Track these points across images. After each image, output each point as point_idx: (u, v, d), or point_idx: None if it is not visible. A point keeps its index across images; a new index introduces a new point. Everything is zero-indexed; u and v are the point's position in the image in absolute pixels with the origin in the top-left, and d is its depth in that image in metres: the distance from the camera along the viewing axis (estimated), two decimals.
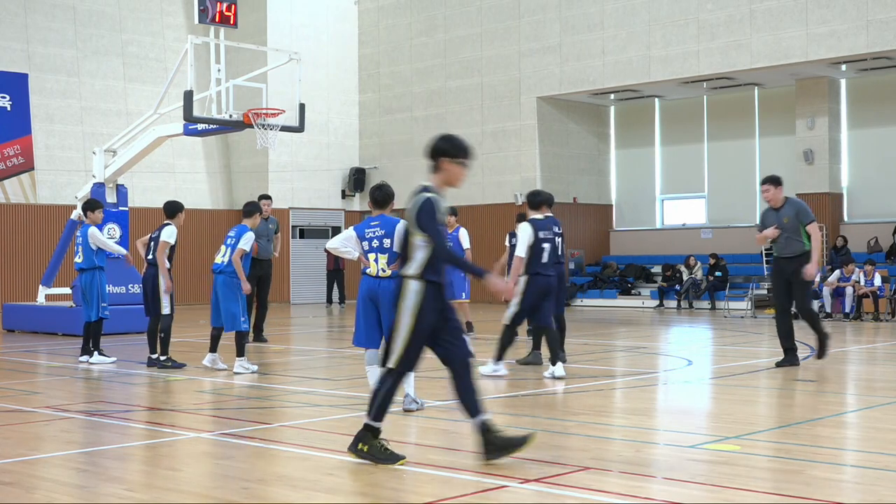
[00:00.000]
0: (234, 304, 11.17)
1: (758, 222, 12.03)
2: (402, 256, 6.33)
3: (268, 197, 15.53)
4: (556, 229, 11.00)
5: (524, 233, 10.64)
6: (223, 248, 11.36)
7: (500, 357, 10.67)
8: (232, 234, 11.41)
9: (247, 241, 11.25)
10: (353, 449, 6.26)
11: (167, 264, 11.81)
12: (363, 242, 8.27)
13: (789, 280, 11.35)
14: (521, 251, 10.57)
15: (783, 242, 11.39)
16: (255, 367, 11.33)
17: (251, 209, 11.75)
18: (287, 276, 28.90)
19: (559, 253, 11.03)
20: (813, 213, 11.69)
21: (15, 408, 8.78)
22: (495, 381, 10.57)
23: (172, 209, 12.12)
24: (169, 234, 11.87)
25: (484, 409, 6.27)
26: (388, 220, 8.29)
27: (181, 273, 26.49)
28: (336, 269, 26.81)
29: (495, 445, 6.17)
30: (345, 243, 8.39)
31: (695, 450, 6.69)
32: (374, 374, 8.28)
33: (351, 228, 8.48)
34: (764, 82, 25.31)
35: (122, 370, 11.81)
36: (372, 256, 8.22)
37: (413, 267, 6.20)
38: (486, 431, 6.20)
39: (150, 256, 12.06)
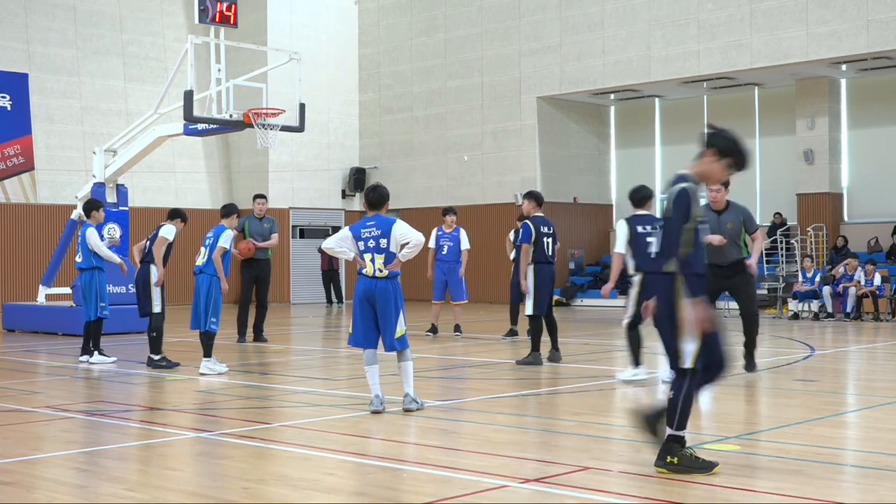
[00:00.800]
0: (207, 304, 11.12)
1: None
2: (665, 252, 5.96)
3: (262, 196, 15.49)
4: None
5: (621, 230, 10.07)
6: (202, 249, 11.30)
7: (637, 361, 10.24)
8: (210, 235, 11.33)
9: (226, 239, 11.19)
10: (662, 464, 5.86)
11: (161, 259, 11.89)
12: (359, 243, 8.25)
13: (725, 288, 10.58)
14: (620, 248, 10.07)
15: (722, 249, 10.32)
16: (225, 369, 11.23)
17: (229, 210, 11.71)
18: (287, 276, 28.90)
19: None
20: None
21: (15, 408, 8.78)
22: (493, 382, 10.58)
23: (175, 213, 12.25)
24: (168, 231, 11.94)
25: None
26: (383, 220, 8.28)
27: (180, 273, 26.48)
28: (330, 269, 26.81)
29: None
30: (340, 243, 8.35)
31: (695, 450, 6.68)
32: (373, 373, 8.27)
33: (346, 228, 8.44)
34: (764, 82, 25.30)
35: (122, 370, 11.81)
36: (368, 257, 8.20)
37: (676, 263, 5.93)
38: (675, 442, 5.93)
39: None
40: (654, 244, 9.43)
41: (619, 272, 10.22)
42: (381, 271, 8.17)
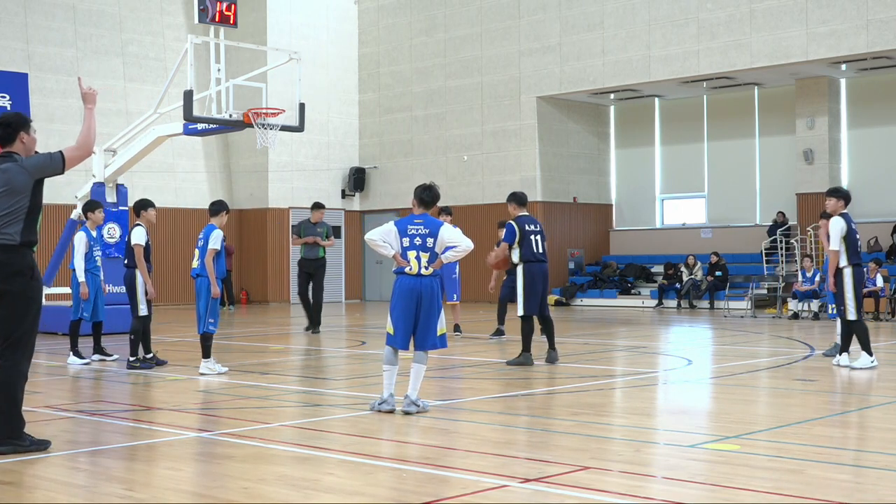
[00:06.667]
0: (202, 306, 11.06)
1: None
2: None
3: (321, 206, 17.28)
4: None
5: (837, 226, 11.07)
6: (196, 251, 11.20)
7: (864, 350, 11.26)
8: (201, 236, 11.12)
9: (216, 240, 11.01)
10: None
11: (146, 266, 11.71)
12: (403, 239, 8.22)
13: None
14: (836, 244, 11.06)
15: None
16: (224, 369, 11.20)
17: (217, 208, 11.34)
18: (287, 276, 28.90)
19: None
20: None
21: None
22: (493, 382, 10.58)
23: (140, 206, 11.95)
24: (138, 236, 11.72)
25: None
26: (431, 220, 8.31)
27: (181, 274, 26.50)
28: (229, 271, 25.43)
29: None
30: (384, 236, 8.28)
31: (695, 450, 6.69)
32: (391, 374, 8.21)
33: (391, 223, 8.39)
34: (764, 82, 25.31)
35: (122, 370, 11.80)
36: (412, 254, 8.17)
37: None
38: None
39: (126, 260, 11.99)
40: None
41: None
42: (426, 269, 8.17)
